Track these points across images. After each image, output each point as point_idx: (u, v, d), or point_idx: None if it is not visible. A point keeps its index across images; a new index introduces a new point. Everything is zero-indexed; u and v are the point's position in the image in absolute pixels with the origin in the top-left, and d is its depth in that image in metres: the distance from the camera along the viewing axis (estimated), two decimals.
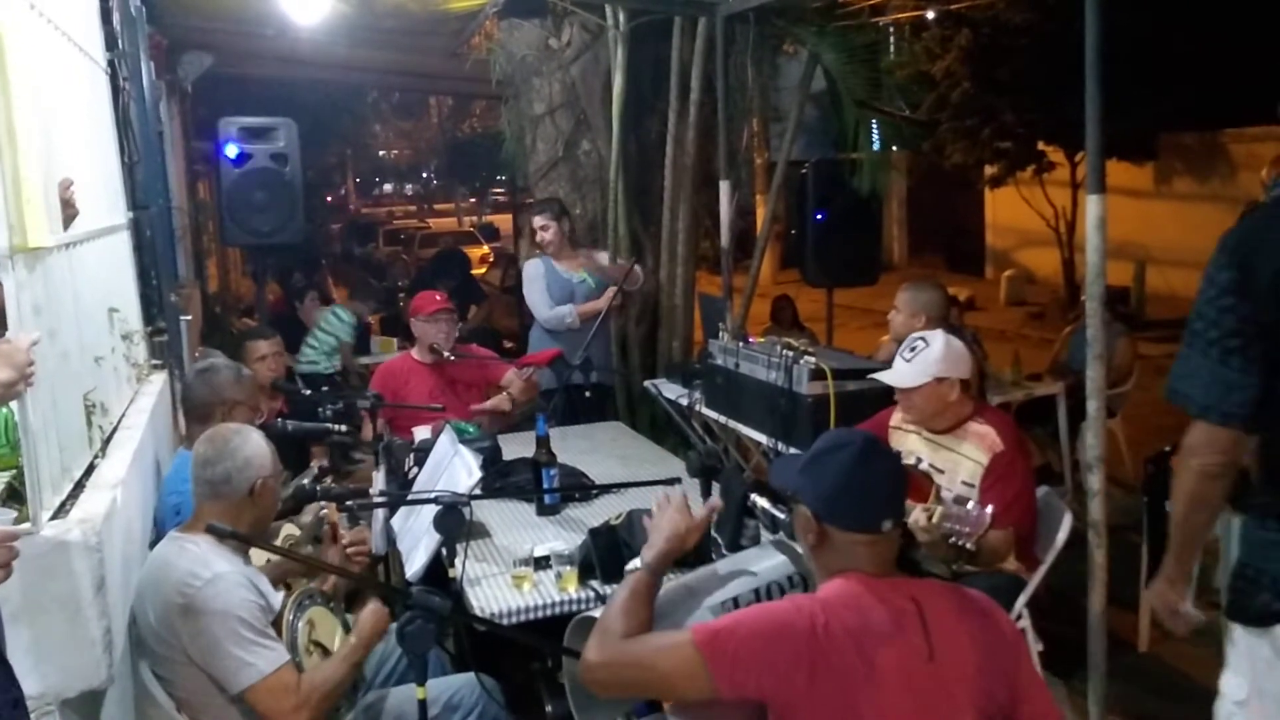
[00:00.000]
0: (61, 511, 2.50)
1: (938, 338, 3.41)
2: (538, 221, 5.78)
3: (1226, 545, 3.88)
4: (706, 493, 3.03)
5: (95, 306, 3.32)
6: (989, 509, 2.80)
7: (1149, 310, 13.51)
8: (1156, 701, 3.99)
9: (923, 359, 3.37)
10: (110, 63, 4.22)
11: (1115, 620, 3.16)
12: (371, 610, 2.78)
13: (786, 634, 1.86)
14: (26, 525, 2.32)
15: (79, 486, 2.70)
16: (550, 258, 5.75)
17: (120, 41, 4.40)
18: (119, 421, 3.37)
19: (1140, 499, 4.48)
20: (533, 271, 5.82)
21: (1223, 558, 3.93)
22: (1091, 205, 3.02)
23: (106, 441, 3.12)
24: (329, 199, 32.59)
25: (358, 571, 3.15)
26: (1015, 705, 1.96)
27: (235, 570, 2.57)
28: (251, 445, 2.74)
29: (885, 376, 3.48)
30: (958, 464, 3.38)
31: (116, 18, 4.35)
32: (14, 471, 2.70)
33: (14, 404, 2.31)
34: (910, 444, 3.56)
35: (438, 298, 5.11)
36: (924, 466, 3.47)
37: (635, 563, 2.16)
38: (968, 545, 2.81)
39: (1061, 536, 3.42)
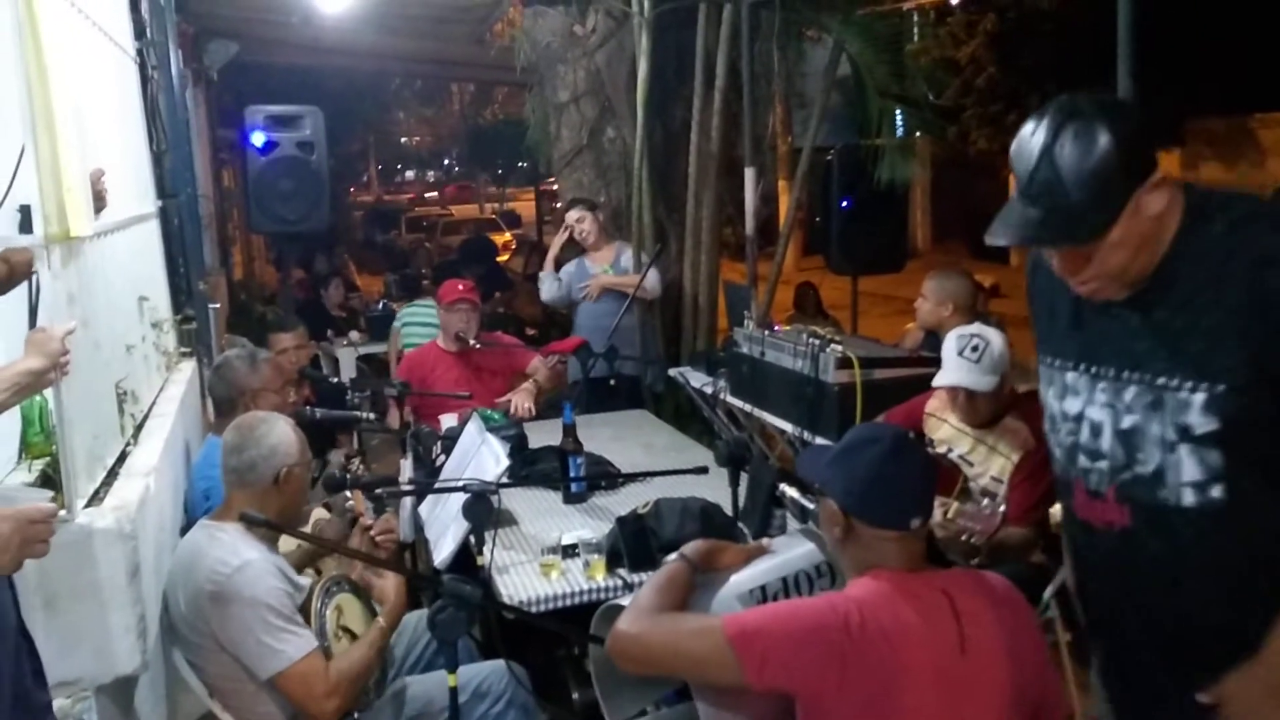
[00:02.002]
0: (95, 499, 2.53)
1: (995, 335, 3.32)
2: (573, 216, 5.83)
3: None
4: (735, 481, 3.03)
5: (126, 295, 3.35)
6: (1002, 508, 2.78)
7: None
8: None
9: (990, 358, 3.27)
10: (139, 51, 4.25)
11: None
12: (395, 585, 2.79)
13: (820, 634, 1.85)
14: (62, 513, 2.35)
15: (112, 474, 2.74)
16: (585, 253, 5.82)
17: (149, 30, 4.43)
18: (150, 409, 3.41)
19: None
20: (564, 271, 5.93)
21: None
22: None
23: (138, 429, 3.15)
24: (351, 189, 32.74)
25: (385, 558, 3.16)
26: (1041, 693, 1.97)
27: (264, 558, 2.58)
28: (278, 433, 2.75)
29: (956, 379, 3.32)
30: (989, 459, 3.34)
31: (145, 6, 4.38)
32: (48, 459, 2.73)
33: (48, 392, 2.34)
34: (944, 433, 3.52)
35: (460, 287, 5.10)
36: (954, 456, 3.44)
37: (673, 556, 2.17)
38: (979, 543, 2.78)
39: None
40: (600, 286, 5.68)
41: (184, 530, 3.02)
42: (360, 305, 9.67)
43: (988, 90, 12.80)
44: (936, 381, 3.40)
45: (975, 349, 3.30)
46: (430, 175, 47.58)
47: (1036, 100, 12.38)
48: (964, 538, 2.77)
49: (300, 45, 9.04)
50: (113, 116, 3.51)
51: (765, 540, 2.40)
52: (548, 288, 5.92)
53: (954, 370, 3.33)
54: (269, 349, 4.70)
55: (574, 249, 5.93)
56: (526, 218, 27.72)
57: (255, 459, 2.69)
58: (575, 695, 3.04)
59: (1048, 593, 3.29)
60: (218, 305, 5.15)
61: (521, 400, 4.90)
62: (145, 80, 4.31)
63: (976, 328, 3.41)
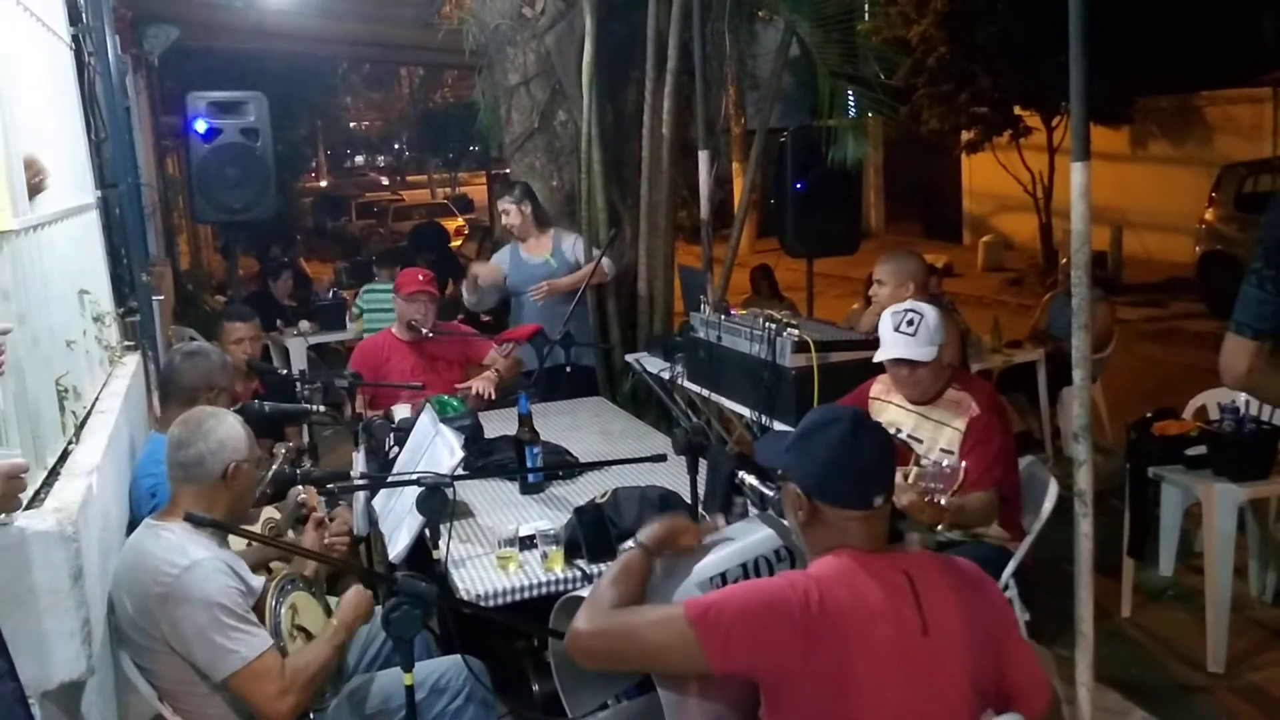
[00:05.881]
0: (36, 501, 2.45)
1: (928, 307, 3.38)
2: (501, 205, 5.84)
3: (1210, 513, 3.90)
4: (694, 469, 3.00)
5: (65, 289, 3.25)
6: (962, 463, 2.81)
7: (1126, 274, 13.56)
8: (1140, 665, 4.02)
9: (926, 330, 3.32)
10: (74, 37, 4.12)
11: (1097, 586, 3.16)
12: (353, 593, 2.75)
13: (780, 611, 1.84)
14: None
15: (53, 474, 2.65)
16: (518, 242, 5.74)
17: (84, 15, 4.30)
18: (92, 406, 3.31)
19: (1121, 464, 4.50)
20: (496, 259, 5.91)
21: (1205, 525, 3.96)
22: (1076, 173, 2.98)
23: (80, 427, 3.06)
24: (310, 173, 32.24)
25: (338, 556, 3.11)
26: (1003, 675, 1.97)
27: (213, 556, 2.52)
28: (226, 427, 2.69)
29: (896, 353, 3.36)
30: (938, 431, 3.38)
31: None
32: None
33: None
34: (890, 415, 3.55)
35: (420, 277, 5.01)
36: (903, 436, 3.46)
37: (630, 543, 2.14)
38: (943, 500, 2.81)
39: (1047, 507, 3.42)
40: (551, 291, 5.54)
41: (130, 529, 2.95)
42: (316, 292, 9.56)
43: (939, 69, 12.82)
44: (878, 357, 3.46)
45: (910, 322, 3.36)
46: (380, 160, 47.05)
47: (987, 79, 12.49)
48: (928, 499, 2.80)
49: (243, 29, 8.89)
50: (46, 106, 3.40)
51: (720, 520, 2.38)
52: (466, 298, 5.90)
53: (893, 345, 3.39)
54: (222, 338, 4.61)
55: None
56: (479, 202, 27.51)
57: (203, 453, 2.63)
58: (536, 687, 3.01)
59: (1006, 572, 3.31)
60: (162, 297, 5.02)
61: (484, 386, 4.85)
62: (82, 67, 4.18)
63: (909, 303, 3.47)
